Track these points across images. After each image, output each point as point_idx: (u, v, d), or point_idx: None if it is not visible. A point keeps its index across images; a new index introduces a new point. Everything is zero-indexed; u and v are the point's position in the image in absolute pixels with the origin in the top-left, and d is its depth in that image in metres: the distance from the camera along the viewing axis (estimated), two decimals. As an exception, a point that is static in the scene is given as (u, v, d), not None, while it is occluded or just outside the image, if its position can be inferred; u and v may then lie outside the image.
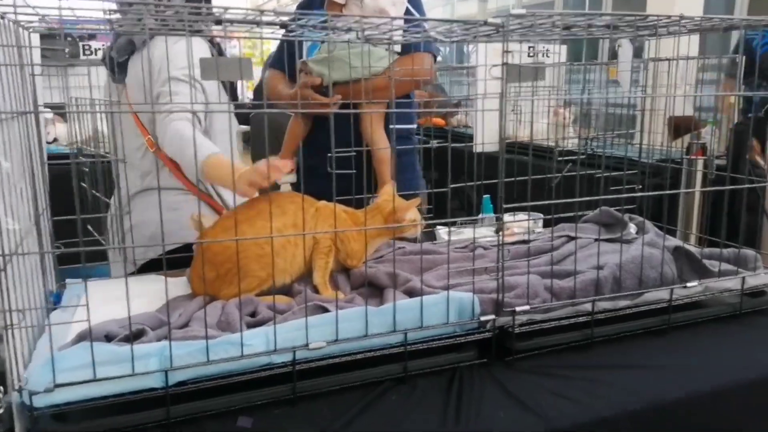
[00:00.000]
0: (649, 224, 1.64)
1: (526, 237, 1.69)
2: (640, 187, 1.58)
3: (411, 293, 1.29)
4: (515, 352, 1.21)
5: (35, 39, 1.30)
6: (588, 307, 1.29)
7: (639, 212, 1.65)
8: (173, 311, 1.26)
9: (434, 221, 1.71)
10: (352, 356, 1.12)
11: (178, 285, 1.44)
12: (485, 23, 1.11)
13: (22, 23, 1.16)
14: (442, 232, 1.90)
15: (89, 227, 1.80)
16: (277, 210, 1.32)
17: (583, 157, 1.91)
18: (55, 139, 4.06)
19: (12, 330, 0.91)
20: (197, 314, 1.20)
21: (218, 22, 1.40)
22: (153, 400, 1.00)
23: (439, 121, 4.78)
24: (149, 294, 1.39)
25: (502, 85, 1.13)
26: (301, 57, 1.90)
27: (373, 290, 1.36)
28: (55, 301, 1.40)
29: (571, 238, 1.61)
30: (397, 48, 1.93)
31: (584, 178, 1.51)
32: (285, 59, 1.97)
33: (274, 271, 1.29)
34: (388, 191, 1.49)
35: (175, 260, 1.41)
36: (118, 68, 1.76)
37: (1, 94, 0.98)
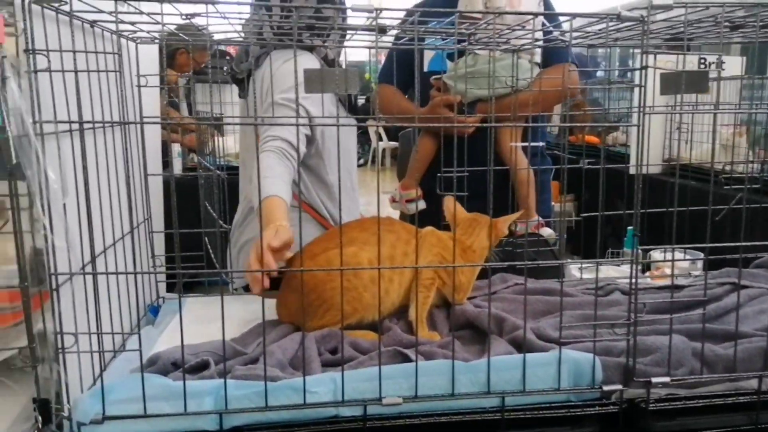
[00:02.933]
0: None
1: (678, 281, 1.39)
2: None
3: (519, 345, 1.07)
4: (649, 435, 0.95)
5: (145, 51, 1.28)
6: (754, 383, 0.99)
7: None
8: (255, 339, 1.16)
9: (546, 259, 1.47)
10: (435, 418, 0.94)
11: (273, 307, 1.36)
12: (618, 17, 0.87)
13: (118, 33, 1.14)
14: (573, 267, 1.64)
15: (206, 239, 1.80)
16: (372, 239, 1.18)
17: (757, 186, 1.55)
18: (209, 153, 4.32)
19: (63, 354, 0.85)
20: (271, 348, 1.09)
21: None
22: (206, 444, 0.90)
23: (593, 138, 4.38)
24: (242, 314, 1.32)
25: (639, 97, 0.89)
26: (420, 69, 1.75)
27: (475, 335, 1.16)
28: (152, 314, 1.39)
29: (736, 287, 1.28)
30: (537, 59, 1.72)
31: (759, 211, 1.19)
32: (396, 70, 1.84)
33: (362, 306, 1.15)
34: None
35: (279, 280, 1.33)
36: (240, 84, 1.74)
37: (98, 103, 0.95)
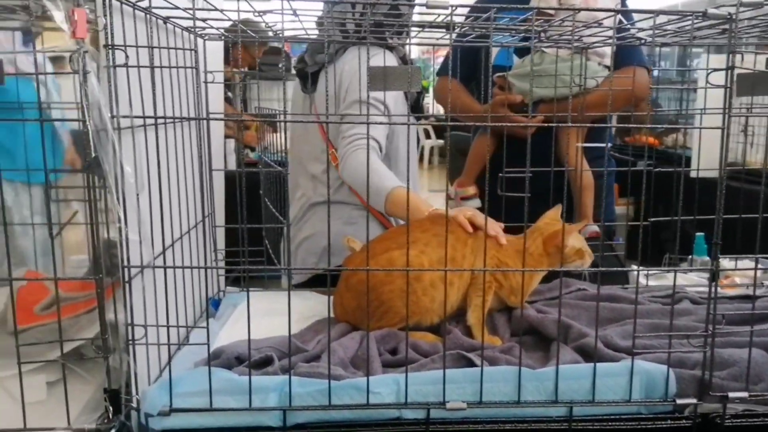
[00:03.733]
0: None
1: (750, 291, 1.32)
2: None
3: (585, 353, 1.04)
4: (724, 452, 0.91)
5: (212, 47, 1.30)
6: (842, 404, 0.93)
7: None
8: (314, 336, 1.16)
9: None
10: (500, 425, 0.91)
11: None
12: (704, 15, 0.83)
13: (194, 30, 1.15)
14: (639, 275, 1.58)
15: (263, 235, 1.82)
16: (434, 240, 1.17)
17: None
18: (266, 148, 4.37)
19: (134, 346, 0.87)
20: (333, 346, 1.08)
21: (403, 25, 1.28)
22: (269, 440, 0.90)
23: (652, 140, 4.25)
24: (302, 311, 1.33)
25: (725, 98, 0.84)
26: (482, 65, 1.71)
27: (538, 341, 1.13)
28: (213, 307, 1.40)
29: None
30: (606, 62, 1.67)
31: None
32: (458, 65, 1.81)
33: (419, 310, 1.13)
34: (549, 214, 1.27)
35: (336, 278, 1.33)
36: (309, 79, 1.74)
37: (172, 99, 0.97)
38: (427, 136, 8.41)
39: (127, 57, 0.82)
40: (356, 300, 1.18)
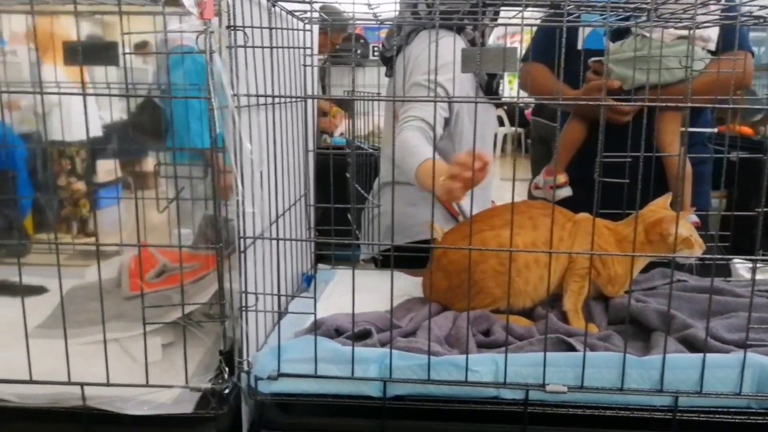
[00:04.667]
0: None
1: None
2: None
3: (689, 344, 1.01)
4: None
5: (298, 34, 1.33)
6: None
7: None
8: (405, 314, 1.19)
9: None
10: (600, 411, 0.90)
11: (419, 285, 1.37)
12: None
13: (296, 13, 1.19)
14: (741, 267, 1.51)
15: (349, 216, 1.87)
16: (528, 222, 1.16)
17: None
18: (342, 133, 4.45)
19: (246, 312, 0.91)
20: (427, 323, 1.10)
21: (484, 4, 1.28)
22: (369, 409, 0.93)
23: (746, 129, 4.01)
24: (388, 290, 1.35)
25: None
26: (570, 47, 1.67)
27: (638, 331, 1.10)
28: (306, 283, 1.45)
29: None
30: (711, 46, 1.59)
31: None
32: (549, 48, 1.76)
33: (512, 292, 1.13)
34: (658, 201, 1.22)
35: (416, 258, 1.34)
36: (388, 63, 1.76)
37: (279, 79, 1.00)
38: (501, 124, 8.26)
39: (246, 37, 0.86)
40: (447, 280, 1.19)
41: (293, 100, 1.13)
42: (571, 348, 0.97)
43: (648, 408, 0.90)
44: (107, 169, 2.02)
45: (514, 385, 0.91)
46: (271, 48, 0.89)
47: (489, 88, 1.66)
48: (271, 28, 0.90)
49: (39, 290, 1.27)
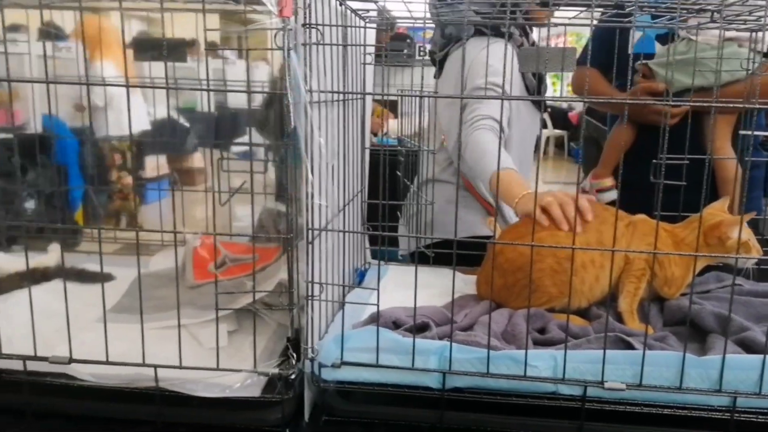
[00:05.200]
0: None
1: None
2: None
3: (747, 347, 1.01)
4: None
5: (371, 32, 1.36)
6: None
7: None
8: (460, 310, 1.21)
9: None
10: (658, 409, 0.91)
11: (468, 283, 1.39)
12: None
13: (359, 12, 1.22)
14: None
15: (399, 213, 1.90)
16: (585, 223, 1.17)
17: None
18: (386, 132, 4.48)
19: (312, 301, 0.95)
20: (483, 319, 1.12)
21: (544, 4, 1.29)
22: (428, 400, 0.96)
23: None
24: (440, 286, 1.38)
25: None
26: (623, 51, 1.67)
27: (694, 332, 1.10)
28: (359, 278, 1.49)
29: None
30: (762, 48, 1.57)
31: None
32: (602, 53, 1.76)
33: (570, 291, 1.14)
34: (715, 205, 1.22)
35: (466, 256, 1.36)
36: (437, 64, 1.78)
37: (337, 77, 1.04)
38: (544, 126, 8.21)
39: (321, 35, 0.89)
40: (503, 278, 1.20)
41: (357, 97, 1.16)
42: (629, 347, 0.98)
43: (706, 408, 0.91)
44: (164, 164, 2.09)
45: (573, 381, 0.92)
46: (345, 45, 0.92)
47: (537, 92, 1.67)
48: (345, 26, 0.93)
49: (107, 277, 1.33)
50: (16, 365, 0.97)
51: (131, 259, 1.45)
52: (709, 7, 1.06)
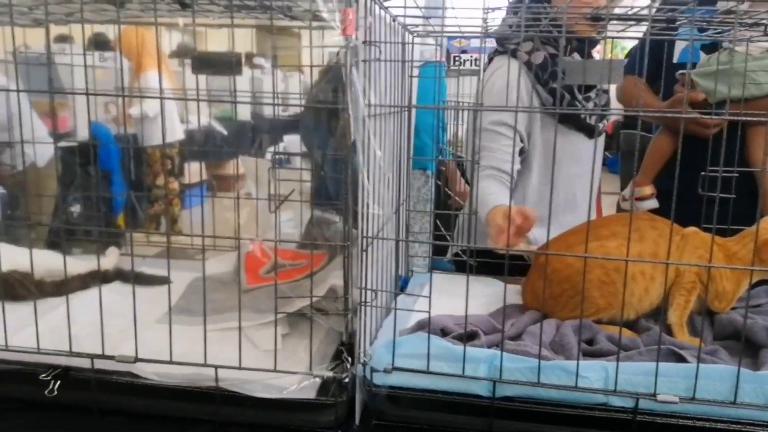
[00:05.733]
0: None
1: None
2: None
3: (802, 363, 1.00)
4: None
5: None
6: None
7: None
8: (506, 319, 1.22)
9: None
10: (711, 423, 0.91)
11: (511, 292, 1.40)
12: None
13: (408, 26, 1.25)
14: None
15: (437, 222, 1.92)
16: (634, 234, 1.17)
17: None
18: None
19: (365, 307, 0.98)
20: (531, 329, 1.13)
21: (597, 18, 1.29)
22: (478, 408, 0.97)
23: None
24: (485, 296, 1.39)
25: None
26: (668, 61, 1.66)
27: (746, 346, 1.09)
28: (402, 286, 1.51)
29: None
30: None
31: None
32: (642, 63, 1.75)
33: (617, 302, 1.15)
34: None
35: (511, 267, 1.37)
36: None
37: (385, 90, 1.07)
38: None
39: (380, 51, 0.92)
40: (549, 288, 1.21)
41: (405, 109, 1.18)
42: (681, 360, 0.98)
43: (761, 423, 0.90)
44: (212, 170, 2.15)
45: (624, 392, 0.93)
46: (403, 61, 0.95)
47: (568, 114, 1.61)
48: (403, 43, 0.96)
49: (164, 280, 1.38)
50: (84, 363, 1.02)
51: (183, 263, 1.51)
52: (765, 21, 1.06)
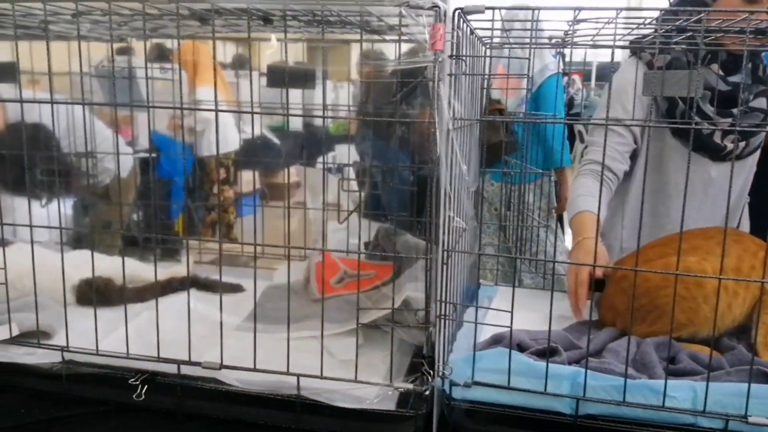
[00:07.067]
0: None
1: None
2: None
3: None
4: None
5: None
6: None
7: None
8: (580, 336, 1.20)
9: None
10: (806, 449, 0.88)
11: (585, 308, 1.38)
12: None
13: (483, 39, 1.25)
14: None
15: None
16: (717, 249, 1.14)
17: None
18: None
19: (444, 320, 0.98)
20: (611, 346, 1.11)
21: (761, 32, 1.19)
22: (559, 425, 0.96)
23: None
24: (560, 311, 1.37)
25: None
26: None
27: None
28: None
29: None
30: None
31: None
32: None
33: (699, 319, 1.11)
34: None
35: (602, 282, 1.34)
36: None
37: (467, 102, 1.08)
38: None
39: (466, 65, 0.93)
40: (628, 303, 1.19)
41: (486, 122, 1.18)
42: (772, 382, 0.95)
43: None
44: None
45: (714, 414, 0.90)
46: (489, 75, 0.96)
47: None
48: (487, 57, 0.96)
49: (237, 288, 1.42)
50: (169, 368, 1.05)
51: (249, 271, 1.54)
52: None
